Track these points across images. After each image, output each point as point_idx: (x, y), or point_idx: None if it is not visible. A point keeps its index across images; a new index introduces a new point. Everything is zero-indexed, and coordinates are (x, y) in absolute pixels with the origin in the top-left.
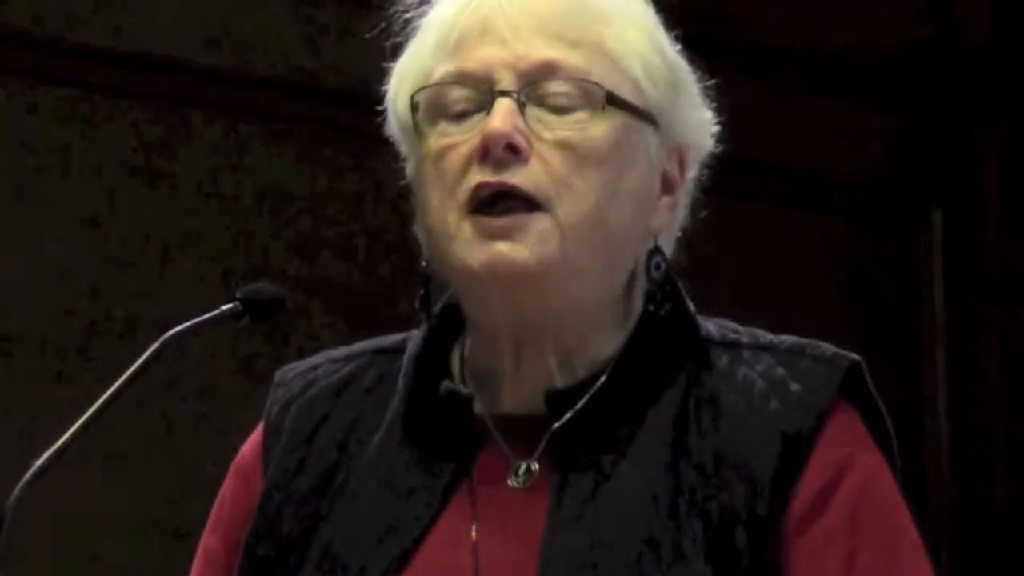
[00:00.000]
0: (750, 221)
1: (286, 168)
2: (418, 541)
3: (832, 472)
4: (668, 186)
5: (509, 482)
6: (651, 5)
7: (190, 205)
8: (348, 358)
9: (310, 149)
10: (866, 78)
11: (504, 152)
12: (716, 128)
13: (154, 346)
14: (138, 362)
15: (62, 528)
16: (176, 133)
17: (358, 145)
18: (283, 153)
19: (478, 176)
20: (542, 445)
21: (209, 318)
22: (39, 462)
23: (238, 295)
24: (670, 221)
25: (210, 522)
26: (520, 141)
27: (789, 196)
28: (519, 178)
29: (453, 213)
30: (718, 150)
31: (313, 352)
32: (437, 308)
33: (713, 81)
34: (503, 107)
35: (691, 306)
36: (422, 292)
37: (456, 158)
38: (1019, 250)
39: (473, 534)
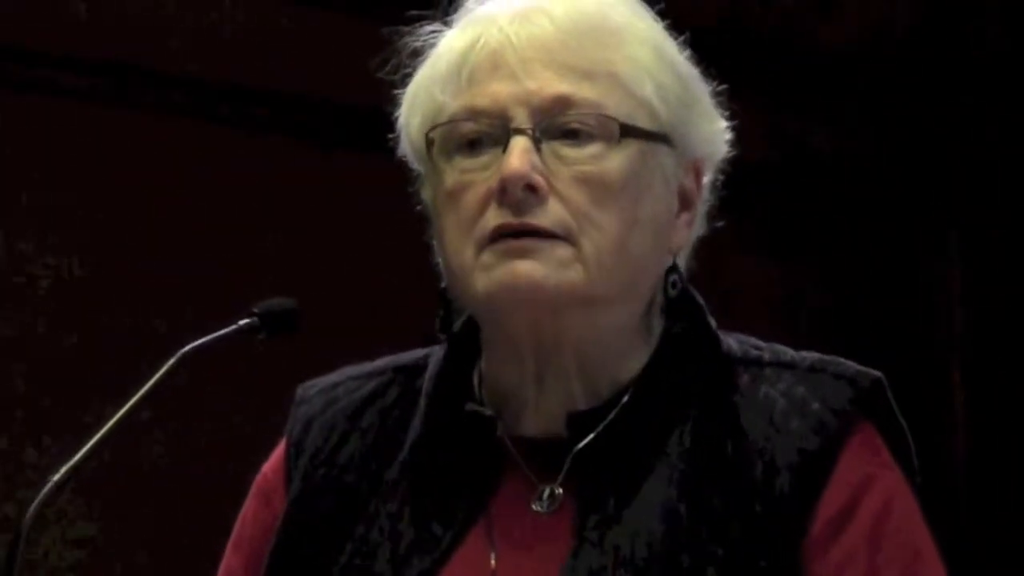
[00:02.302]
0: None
1: None
2: (439, 564)
3: (852, 493)
4: (685, 202)
5: (533, 506)
6: (658, 19)
7: None
8: (369, 375)
9: None
10: (869, 89)
11: (523, 192)
12: (729, 135)
13: (171, 361)
14: (155, 377)
15: None
16: None
17: None
18: None
19: (498, 218)
20: (565, 468)
21: (226, 333)
22: (55, 478)
23: (255, 309)
24: (688, 236)
25: (232, 541)
26: (538, 180)
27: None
28: (541, 219)
29: (471, 250)
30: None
31: None
32: (458, 325)
33: (724, 87)
34: (519, 146)
35: (713, 322)
36: (442, 313)
37: (473, 197)
38: None
39: (492, 561)
